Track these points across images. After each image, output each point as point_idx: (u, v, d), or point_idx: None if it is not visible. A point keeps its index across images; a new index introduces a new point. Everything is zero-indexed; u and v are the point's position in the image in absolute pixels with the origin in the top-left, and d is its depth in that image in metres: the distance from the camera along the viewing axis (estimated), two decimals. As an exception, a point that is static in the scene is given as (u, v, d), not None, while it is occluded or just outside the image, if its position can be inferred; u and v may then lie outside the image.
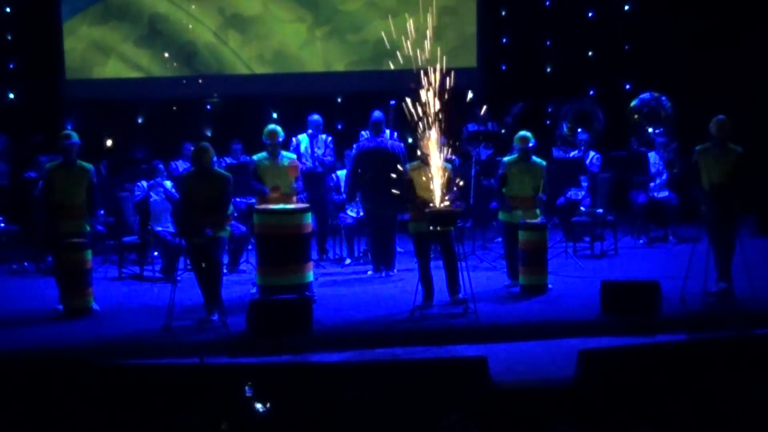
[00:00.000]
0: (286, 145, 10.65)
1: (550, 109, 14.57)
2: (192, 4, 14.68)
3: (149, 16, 14.68)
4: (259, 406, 5.85)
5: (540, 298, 9.40)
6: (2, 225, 12.02)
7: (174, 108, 14.99)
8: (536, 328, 8.45)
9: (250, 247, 10.79)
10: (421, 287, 9.09)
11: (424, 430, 5.63)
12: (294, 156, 10.51)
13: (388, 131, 11.15)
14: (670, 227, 12.27)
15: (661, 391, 6.41)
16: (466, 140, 12.56)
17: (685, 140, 11.84)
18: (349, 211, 11.51)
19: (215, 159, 9.41)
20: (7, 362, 7.69)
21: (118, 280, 10.85)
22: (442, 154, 8.90)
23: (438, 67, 8.63)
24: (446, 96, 8.69)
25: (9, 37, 14.72)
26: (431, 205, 8.88)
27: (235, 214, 10.04)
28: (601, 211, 11.79)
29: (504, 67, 15.15)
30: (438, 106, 8.67)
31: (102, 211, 11.57)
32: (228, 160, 12.20)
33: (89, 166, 9.52)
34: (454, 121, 8.88)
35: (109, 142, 11.42)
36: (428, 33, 8.81)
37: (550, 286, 9.66)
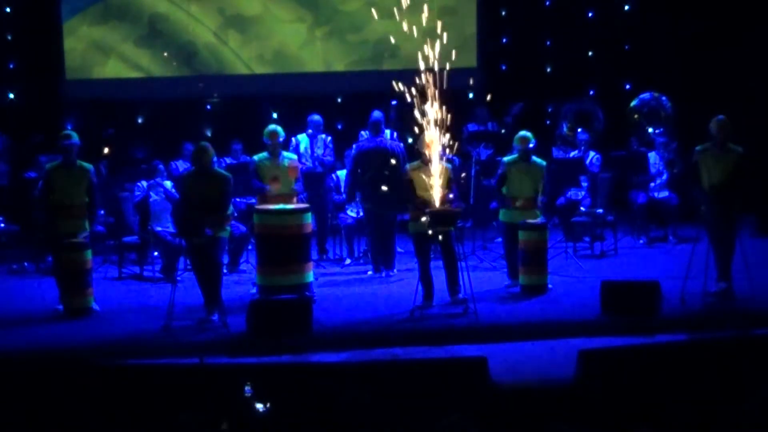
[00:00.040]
0: (285, 145, 10.65)
1: (550, 109, 14.56)
2: (192, 4, 14.66)
3: (149, 16, 14.66)
4: (259, 406, 5.85)
5: (540, 298, 9.41)
6: (2, 225, 12.02)
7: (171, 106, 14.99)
8: (536, 328, 8.46)
9: (250, 247, 10.79)
10: (421, 287, 9.09)
11: (424, 430, 5.62)
12: (295, 156, 10.52)
13: (388, 131, 11.16)
14: (670, 227, 12.27)
15: (661, 391, 6.42)
16: (466, 140, 12.56)
17: (685, 140, 11.84)
18: (349, 211, 11.51)
19: (215, 159, 9.41)
20: (7, 362, 7.69)
21: (118, 280, 10.85)
22: (442, 155, 8.90)
23: (438, 67, 8.63)
24: (446, 96, 8.69)
25: (9, 37, 14.70)
26: (431, 205, 8.88)
27: (235, 214, 10.04)
28: (601, 211, 11.80)
29: (504, 67, 15.14)
30: (438, 106, 8.67)
31: (102, 211, 11.58)
32: (228, 160, 12.19)
33: (89, 166, 9.53)
34: (454, 121, 8.87)
35: (106, 150, 11.39)
36: (428, 33, 8.80)
37: (550, 286, 9.66)
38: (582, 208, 11.96)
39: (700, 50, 14.06)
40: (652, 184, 12.35)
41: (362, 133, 11.39)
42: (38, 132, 13.14)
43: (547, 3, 15.10)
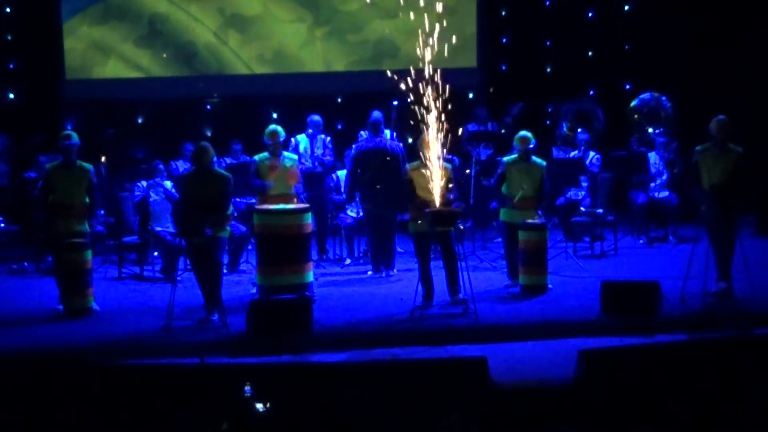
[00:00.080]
0: (285, 145, 10.65)
1: (550, 109, 14.56)
2: (192, 4, 14.66)
3: (149, 16, 14.66)
4: (259, 406, 5.85)
5: (540, 298, 9.40)
6: (2, 225, 12.02)
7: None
8: (536, 328, 8.45)
9: (250, 247, 10.79)
10: (421, 287, 9.09)
11: (424, 430, 5.63)
12: (295, 156, 10.52)
13: (388, 131, 11.15)
14: (670, 227, 12.27)
15: (661, 391, 6.42)
16: (466, 140, 12.56)
17: (685, 140, 11.84)
18: (349, 211, 11.51)
19: (215, 159, 9.41)
20: (7, 362, 7.69)
21: (118, 280, 10.85)
22: (442, 155, 8.90)
23: (438, 67, 8.63)
24: (446, 96, 8.69)
25: (9, 37, 14.70)
26: (431, 205, 8.88)
27: (235, 214, 10.05)
28: (601, 211, 11.79)
29: (504, 67, 15.14)
30: (438, 106, 8.67)
31: (102, 211, 11.58)
32: (228, 160, 12.20)
33: (89, 166, 9.53)
34: (454, 121, 8.87)
35: (103, 158, 11.39)
36: (428, 33, 8.80)
37: (550, 286, 9.66)
38: (582, 208, 11.96)
39: (700, 50, 14.05)
40: (652, 184, 12.35)
41: (362, 133, 11.39)
42: (38, 132, 13.12)
43: (547, 3, 15.10)
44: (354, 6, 14.70)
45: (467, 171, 11.63)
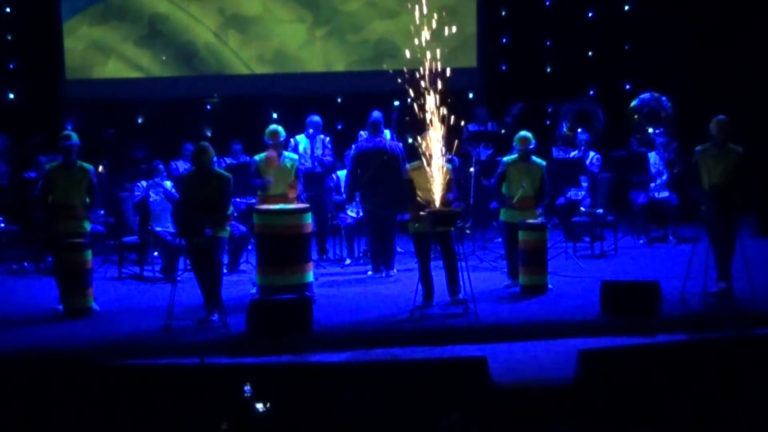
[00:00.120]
0: (285, 145, 10.64)
1: (550, 109, 14.56)
2: (192, 4, 14.66)
3: (149, 16, 14.66)
4: (259, 406, 5.85)
5: (540, 298, 9.40)
6: (2, 225, 12.02)
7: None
8: (536, 328, 8.46)
9: (250, 247, 10.79)
10: (421, 287, 9.09)
11: (424, 430, 5.63)
12: (296, 156, 10.51)
13: (387, 131, 11.15)
14: (670, 227, 12.27)
15: (661, 391, 6.42)
16: (466, 140, 12.56)
17: (685, 140, 11.84)
18: (349, 211, 11.51)
19: (215, 159, 9.42)
20: (7, 362, 7.69)
21: (118, 280, 10.85)
22: (442, 155, 8.90)
23: (438, 67, 8.63)
24: (446, 96, 8.69)
25: (9, 37, 14.71)
26: (431, 205, 8.88)
27: (235, 214, 10.05)
28: (601, 211, 11.79)
29: (504, 67, 15.14)
30: (438, 106, 8.67)
31: (102, 211, 11.58)
32: (228, 160, 12.20)
33: (89, 166, 9.54)
34: (454, 121, 8.87)
35: (101, 168, 11.41)
36: (428, 33, 8.80)
37: (550, 286, 9.66)
38: (582, 208, 11.96)
39: (700, 50, 14.06)
40: (652, 184, 12.35)
41: (361, 133, 11.38)
42: (38, 132, 13.13)
43: (547, 3, 15.10)
44: (354, 6, 14.71)
45: (471, 169, 11.64)
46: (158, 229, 10.73)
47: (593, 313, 8.66)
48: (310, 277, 9.44)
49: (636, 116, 13.14)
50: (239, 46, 14.79)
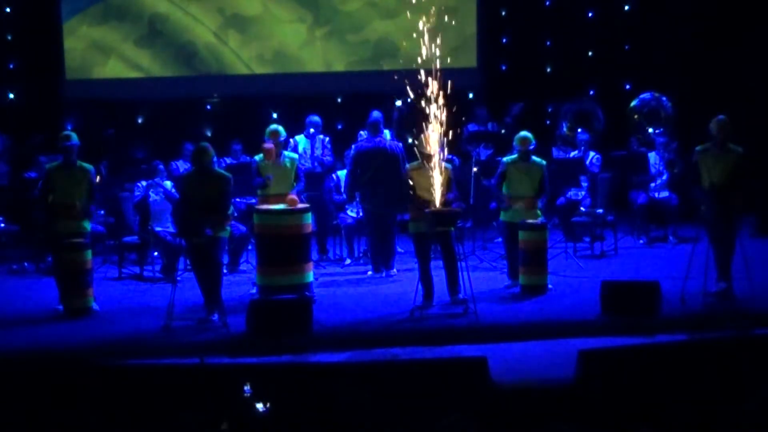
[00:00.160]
0: (284, 145, 10.64)
1: (550, 109, 14.56)
2: (192, 4, 14.67)
3: (149, 16, 14.67)
4: (259, 406, 5.85)
5: (540, 298, 9.40)
6: (2, 225, 12.02)
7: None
8: (536, 328, 8.45)
9: (250, 247, 10.79)
10: (421, 287, 9.09)
11: (424, 430, 5.63)
12: (296, 156, 10.51)
13: (387, 131, 11.15)
14: (670, 227, 12.27)
15: (661, 391, 6.42)
16: (466, 140, 12.56)
17: (685, 140, 11.84)
18: (349, 211, 11.51)
19: (215, 159, 9.42)
20: (7, 362, 7.69)
21: (118, 280, 10.84)
22: (442, 154, 8.90)
23: (438, 67, 8.63)
24: (446, 96, 8.69)
25: (9, 37, 14.71)
26: (431, 205, 8.88)
27: (235, 214, 10.05)
28: (601, 211, 11.79)
29: (504, 67, 15.15)
30: (438, 106, 8.67)
31: (102, 211, 11.58)
32: (228, 160, 12.20)
33: (89, 166, 9.54)
34: (454, 121, 8.88)
35: (98, 178, 11.41)
36: (428, 33, 8.80)
37: (550, 286, 9.66)
38: (582, 208, 11.96)
39: (700, 50, 14.06)
40: (652, 184, 12.35)
41: (361, 133, 11.38)
42: (38, 132, 13.13)
43: (547, 3, 15.10)
44: (354, 6, 14.71)
45: (474, 169, 11.63)
46: (158, 229, 10.73)
47: (593, 313, 8.66)
48: (310, 277, 9.44)
49: (636, 116, 13.13)
50: (239, 46, 14.79)
